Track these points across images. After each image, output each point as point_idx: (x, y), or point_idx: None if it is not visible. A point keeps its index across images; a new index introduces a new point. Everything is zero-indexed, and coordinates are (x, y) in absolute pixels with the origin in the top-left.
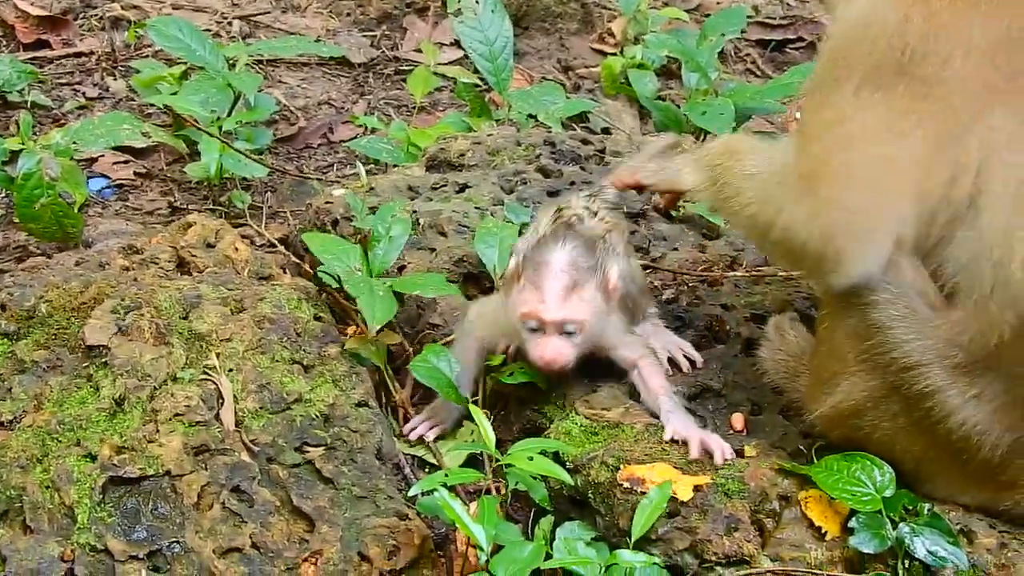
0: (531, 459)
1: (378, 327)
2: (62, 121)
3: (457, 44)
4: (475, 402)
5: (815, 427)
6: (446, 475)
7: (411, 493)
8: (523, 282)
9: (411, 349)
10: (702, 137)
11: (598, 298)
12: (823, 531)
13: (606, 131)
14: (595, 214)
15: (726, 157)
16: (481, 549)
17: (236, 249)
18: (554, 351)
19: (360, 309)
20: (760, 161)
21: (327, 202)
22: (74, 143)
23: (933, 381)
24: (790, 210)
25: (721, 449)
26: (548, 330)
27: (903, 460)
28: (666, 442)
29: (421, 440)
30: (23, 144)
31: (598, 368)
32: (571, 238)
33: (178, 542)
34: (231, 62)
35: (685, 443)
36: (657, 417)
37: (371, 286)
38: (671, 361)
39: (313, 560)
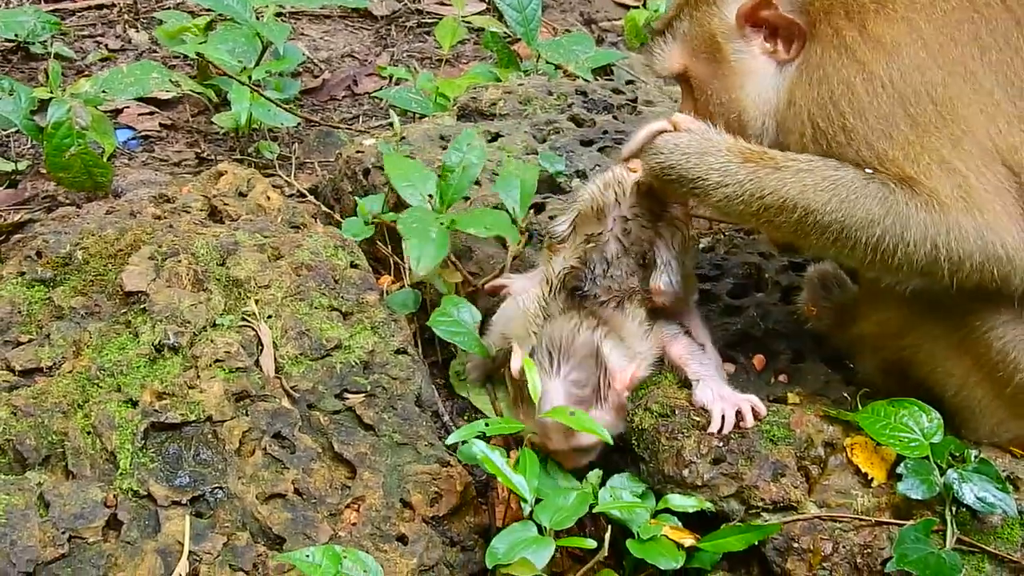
0: (572, 414)
1: (423, 273)
2: (85, 73)
3: None
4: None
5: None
6: (486, 424)
7: (449, 441)
8: (522, 406)
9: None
10: None
11: (600, 413)
12: (869, 477)
13: (630, 83)
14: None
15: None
16: (524, 500)
17: (268, 198)
18: (574, 463)
19: (406, 252)
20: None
21: (358, 151)
22: (103, 92)
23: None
24: (957, 229)
25: (751, 411)
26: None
27: (945, 387)
28: None
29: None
30: (51, 93)
31: None
32: (566, 359)
33: (221, 488)
34: (257, 12)
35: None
36: None
37: (426, 227)
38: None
39: (356, 506)
